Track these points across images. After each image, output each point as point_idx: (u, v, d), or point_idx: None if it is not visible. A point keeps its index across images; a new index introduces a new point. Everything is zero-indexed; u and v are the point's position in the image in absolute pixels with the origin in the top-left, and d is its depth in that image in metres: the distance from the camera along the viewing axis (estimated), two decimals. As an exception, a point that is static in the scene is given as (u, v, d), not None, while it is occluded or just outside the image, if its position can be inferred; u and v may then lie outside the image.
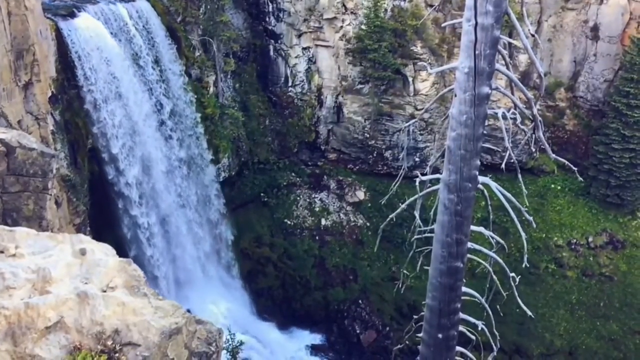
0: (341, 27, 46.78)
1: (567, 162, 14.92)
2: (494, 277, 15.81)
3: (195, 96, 40.66)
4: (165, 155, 38.37)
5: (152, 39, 36.77)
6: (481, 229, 15.41)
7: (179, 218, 40.14)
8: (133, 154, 35.09)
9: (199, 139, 41.29)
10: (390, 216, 16.41)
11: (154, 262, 37.28)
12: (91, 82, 31.38)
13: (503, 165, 14.48)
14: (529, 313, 17.50)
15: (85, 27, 31.13)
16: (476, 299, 16.12)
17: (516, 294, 15.70)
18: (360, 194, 49.97)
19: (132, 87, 34.88)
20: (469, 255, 14.95)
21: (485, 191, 14.43)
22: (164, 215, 38.62)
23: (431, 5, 45.07)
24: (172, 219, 39.34)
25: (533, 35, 13.41)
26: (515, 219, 14.91)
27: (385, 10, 45.31)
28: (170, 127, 38.62)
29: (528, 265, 16.90)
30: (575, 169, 15.20)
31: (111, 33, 32.92)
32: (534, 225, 19.89)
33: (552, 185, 49.41)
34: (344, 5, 46.09)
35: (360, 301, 45.67)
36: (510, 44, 14.19)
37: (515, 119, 13.79)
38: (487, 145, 14.66)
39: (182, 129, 39.78)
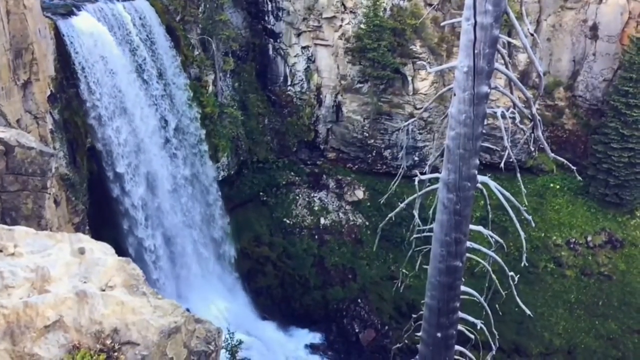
0: (340, 26, 46.75)
1: (566, 162, 14.92)
2: (493, 276, 15.81)
3: (200, 112, 39.76)
4: (170, 173, 37.47)
5: (156, 50, 35.68)
6: (480, 228, 15.40)
7: (185, 238, 39.50)
8: (138, 173, 34.18)
9: (203, 157, 40.67)
10: (390, 215, 16.38)
11: (160, 286, 36.85)
12: (96, 97, 30.57)
13: (502, 165, 14.43)
14: (528, 312, 17.50)
15: (89, 34, 30.26)
16: (475, 298, 16.11)
17: (515, 293, 15.72)
18: (360, 193, 49.95)
19: (138, 101, 33.73)
20: (468, 255, 14.94)
21: (484, 190, 14.42)
22: (169, 236, 37.95)
23: (430, 5, 45.04)
24: (177, 239, 38.65)
25: (532, 35, 13.38)
26: (514, 218, 14.90)
27: (385, 9, 45.28)
28: (175, 144, 37.64)
29: (527, 265, 16.90)
30: (574, 168, 15.19)
31: (114, 38, 31.96)
32: (533, 225, 19.89)
33: (551, 185, 49.41)
34: (343, 4, 46.07)
35: (359, 300, 45.66)
36: (509, 43, 14.18)
37: (514, 118, 13.78)
38: (486, 144, 14.67)
39: (186, 146, 38.97)
